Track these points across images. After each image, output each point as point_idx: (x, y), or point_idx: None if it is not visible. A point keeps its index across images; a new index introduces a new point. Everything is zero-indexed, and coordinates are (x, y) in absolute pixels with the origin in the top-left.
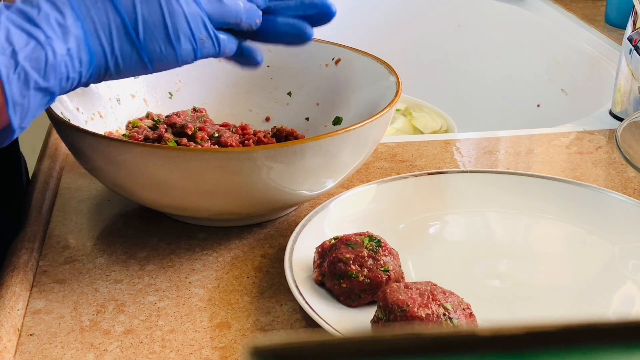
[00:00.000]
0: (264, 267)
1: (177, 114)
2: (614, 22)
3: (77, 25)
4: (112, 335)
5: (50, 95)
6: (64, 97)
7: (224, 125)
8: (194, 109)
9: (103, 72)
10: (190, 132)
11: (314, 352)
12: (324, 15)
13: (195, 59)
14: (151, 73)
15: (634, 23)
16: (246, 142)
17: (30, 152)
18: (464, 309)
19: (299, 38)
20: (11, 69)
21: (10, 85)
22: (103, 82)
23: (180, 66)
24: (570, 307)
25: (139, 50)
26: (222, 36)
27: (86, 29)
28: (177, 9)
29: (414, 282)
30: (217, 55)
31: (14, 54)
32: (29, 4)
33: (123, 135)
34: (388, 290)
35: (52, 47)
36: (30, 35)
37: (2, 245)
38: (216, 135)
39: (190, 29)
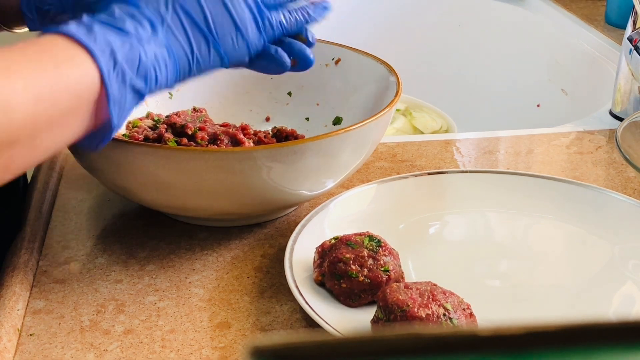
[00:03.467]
0: (264, 267)
1: (177, 114)
2: (614, 22)
3: (156, 33)
4: (112, 335)
5: (140, 96)
6: None
7: (224, 125)
8: (194, 109)
9: (187, 72)
10: (190, 132)
11: (314, 352)
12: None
13: (264, 44)
14: (227, 67)
15: (634, 23)
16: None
17: None
18: (464, 309)
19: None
20: (111, 68)
21: (111, 83)
22: None
23: (252, 55)
24: (570, 307)
25: (215, 46)
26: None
27: (164, 35)
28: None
29: (414, 282)
30: (276, 37)
31: (112, 53)
32: (111, 15)
33: (123, 135)
34: (388, 291)
35: (144, 49)
36: (124, 39)
37: (2, 245)
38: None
39: (253, 14)
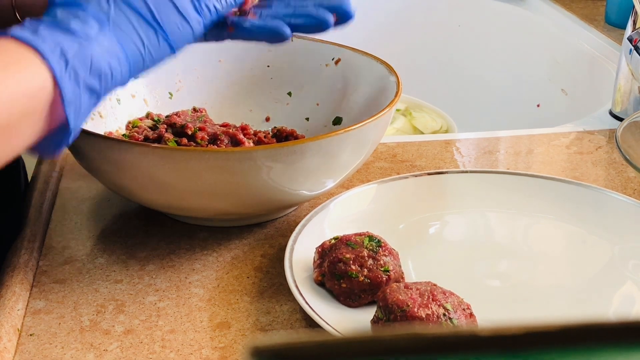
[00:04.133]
0: (264, 267)
1: (177, 114)
2: (614, 22)
3: (103, 29)
4: (112, 335)
5: (97, 96)
6: None
7: (224, 125)
8: (194, 109)
9: (141, 66)
10: (190, 132)
11: (314, 352)
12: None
13: (205, 29)
14: (175, 54)
15: (634, 23)
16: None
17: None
18: (464, 309)
19: (277, 37)
20: (63, 67)
21: (64, 84)
22: None
23: (195, 40)
24: (570, 307)
25: (163, 35)
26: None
27: (112, 31)
28: None
29: (414, 282)
30: (214, 20)
31: (62, 53)
32: (54, 17)
33: (123, 135)
34: (388, 291)
35: (94, 47)
36: (72, 38)
37: (2, 245)
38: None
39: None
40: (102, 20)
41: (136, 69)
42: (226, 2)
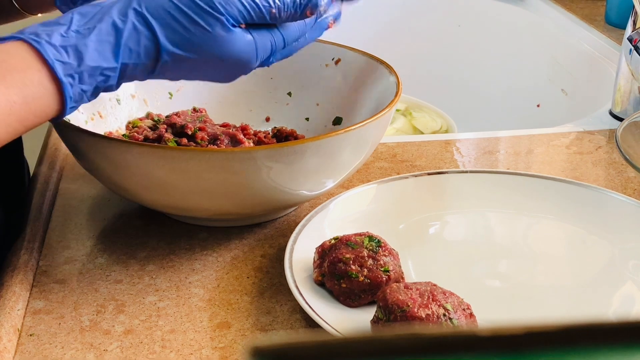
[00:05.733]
0: (264, 267)
1: (177, 114)
2: (614, 22)
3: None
4: (112, 335)
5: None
6: None
7: (224, 125)
8: (194, 109)
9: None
10: (190, 132)
11: (314, 352)
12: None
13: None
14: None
15: (634, 23)
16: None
17: (30, 153)
18: (464, 309)
19: None
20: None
21: (67, 111)
22: None
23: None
24: (570, 307)
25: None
26: None
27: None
28: None
29: (414, 283)
30: None
31: (81, 92)
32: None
33: (123, 135)
34: (388, 291)
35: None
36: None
37: (2, 246)
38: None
39: None
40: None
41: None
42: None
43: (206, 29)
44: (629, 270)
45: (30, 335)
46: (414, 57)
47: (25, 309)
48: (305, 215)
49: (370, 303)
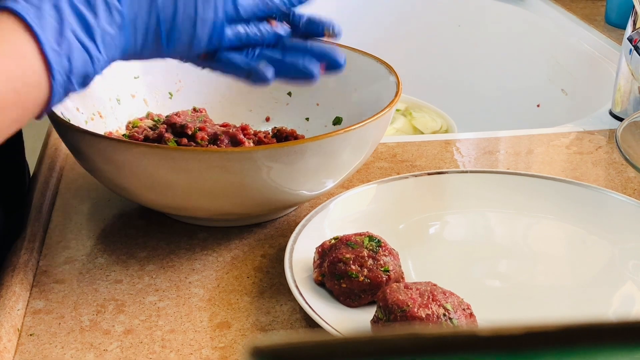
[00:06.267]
0: (264, 267)
1: (177, 114)
2: (614, 22)
3: (121, 33)
4: (112, 335)
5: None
6: None
7: (224, 125)
8: (194, 109)
9: (129, 58)
10: (190, 132)
11: (314, 352)
12: (331, 66)
13: (209, 49)
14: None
15: (634, 23)
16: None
17: (30, 153)
18: (464, 309)
19: (307, 77)
20: (62, 87)
21: (54, 100)
22: (104, 82)
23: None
24: (570, 307)
25: (165, 45)
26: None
27: (128, 36)
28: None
29: (414, 282)
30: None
31: (69, 72)
32: None
33: (123, 135)
34: (388, 291)
35: (98, 62)
36: (87, 51)
37: (2, 246)
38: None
39: (214, 22)
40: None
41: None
42: (248, 36)
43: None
44: (629, 270)
45: (30, 335)
46: (414, 57)
47: (25, 309)
48: (305, 215)
49: (370, 303)
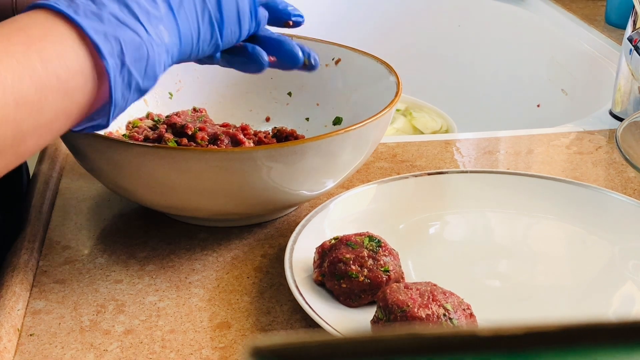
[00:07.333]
0: (264, 267)
1: (177, 114)
2: (614, 22)
3: (170, 18)
4: (112, 336)
5: (142, 94)
6: None
7: (224, 125)
8: (194, 109)
9: (183, 59)
10: (190, 132)
11: (314, 352)
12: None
13: (247, 36)
14: (216, 59)
15: (634, 23)
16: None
17: None
18: (464, 309)
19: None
20: (117, 71)
21: (116, 88)
22: None
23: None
24: (570, 307)
25: (217, 37)
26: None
27: (179, 21)
28: None
29: (414, 283)
30: (258, 30)
31: (121, 54)
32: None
33: (123, 135)
34: (388, 291)
35: (152, 46)
36: (134, 31)
37: (2, 246)
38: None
39: (250, 10)
40: (172, 6)
41: (178, 62)
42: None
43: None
44: (629, 270)
45: (30, 335)
46: (414, 57)
47: (25, 309)
48: (305, 215)
49: (370, 303)
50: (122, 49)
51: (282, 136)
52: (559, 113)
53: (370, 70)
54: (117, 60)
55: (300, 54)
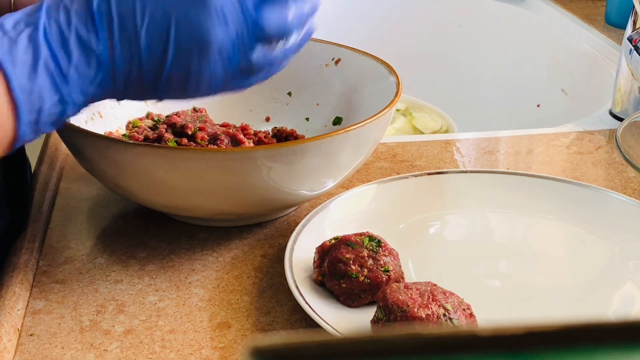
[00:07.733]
0: (264, 267)
1: (177, 114)
2: (614, 22)
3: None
4: (112, 336)
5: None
6: None
7: (224, 125)
8: (194, 109)
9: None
10: (190, 132)
11: (314, 352)
12: None
13: None
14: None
15: (634, 23)
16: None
17: (30, 153)
18: (464, 309)
19: None
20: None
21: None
22: None
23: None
24: (570, 307)
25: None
26: None
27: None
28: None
29: (414, 283)
30: None
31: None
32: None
33: (123, 135)
34: (388, 291)
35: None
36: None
37: (2, 246)
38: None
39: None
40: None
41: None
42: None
43: None
44: (629, 270)
45: (30, 335)
46: (414, 57)
47: (25, 309)
48: (305, 215)
49: (370, 303)
50: (41, 108)
51: (282, 136)
52: (559, 113)
53: (370, 70)
54: (30, 117)
55: None
